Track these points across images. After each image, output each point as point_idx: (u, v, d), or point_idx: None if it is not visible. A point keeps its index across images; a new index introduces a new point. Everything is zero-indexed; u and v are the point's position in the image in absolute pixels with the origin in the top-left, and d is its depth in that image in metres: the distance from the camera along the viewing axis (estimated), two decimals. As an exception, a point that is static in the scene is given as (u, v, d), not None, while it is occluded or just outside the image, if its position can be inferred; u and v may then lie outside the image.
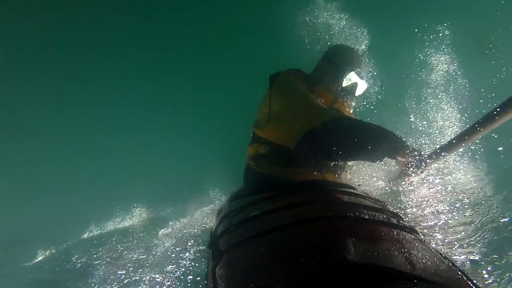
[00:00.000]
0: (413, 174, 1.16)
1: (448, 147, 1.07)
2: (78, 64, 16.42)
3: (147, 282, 2.22)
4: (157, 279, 2.19)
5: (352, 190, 1.17)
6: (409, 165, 1.14)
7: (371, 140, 1.05)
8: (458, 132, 1.07)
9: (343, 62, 1.48)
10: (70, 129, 18.55)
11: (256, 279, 0.59)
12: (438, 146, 1.11)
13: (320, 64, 1.58)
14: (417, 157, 1.10)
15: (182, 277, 2.11)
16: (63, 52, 15.99)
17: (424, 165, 1.10)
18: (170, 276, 2.18)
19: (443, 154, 1.08)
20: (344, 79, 1.45)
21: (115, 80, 17.44)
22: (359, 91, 1.53)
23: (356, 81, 1.47)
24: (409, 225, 0.81)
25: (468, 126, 1.02)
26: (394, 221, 0.80)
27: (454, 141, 1.05)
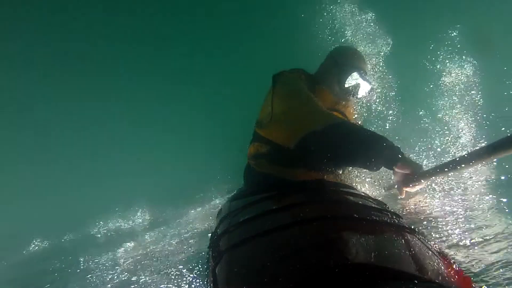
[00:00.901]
0: (410, 186, 1.15)
1: (450, 167, 1.02)
2: (85, 62, 16.47)
3: (145, 283, 2.22)
4: (156, 280, 2.19)
5: (352, 190, 1.17)
6: (406, 177, 1.13)
7: (369, 148, 1.05)
8: (465, 152, 1.04)
9: (346, 62, 1.48)
10: (74, 127, 18.60)
11: (256, 279, 0.59)
12: (440, 164, 1.08)
13: (324, 64, 1.58)
14: (415, 170, 1.09)
15: (181, 277, 2.12)
16: (69, 50, 16.02)
17: (421, 179, 1.09)
18: (169, 276, 2.18)
19: (443, 172, 1.05)
20: (346, 79, 1.45)
21: (120, 79, 17.51)
22: (362, 93, 1.53)
23: (359, 82, 1.47)
24: (409, 225, 0.81)
25: (475, 149, 0.97)
26: (394, 221, 0.80)
27: (457, 162, 1.00)
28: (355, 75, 1.45)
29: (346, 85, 1.46)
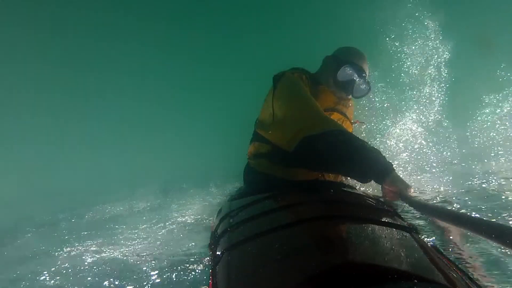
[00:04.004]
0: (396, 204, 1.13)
1: (438, 213, 0.88)
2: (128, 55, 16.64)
3: (142, 280, 2.22)
4: (156, 279, 2.19)
5: (352, 190, 1.17)
6: (394, 194, 1.10)
7: (360, 160, 1.05)
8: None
9: (344, 58, 1.48)
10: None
11: (256, 279, 0.59)
12: (431, 204, 1.01)
13: (325, 62, 1.57)
14: (401, 190, 1.06)
15: (182, 277, 2.12)
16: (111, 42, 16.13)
17: (406, 202, 1.04)
18: (169, 275, 2.18)
19: (429, 212, 0.95)
20: (341, 72, 1.44)
21: (123, 76, 17.66)
22: (358, 91, 1.52)
23: (354, 78, 1.46)
24: (409, 225, 0.81)
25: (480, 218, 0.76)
26: (394, 220, 0.80)
27: (452, 216, 0.82)
28: (349, 70, 1.44)
29: (340, 79, 1.45)
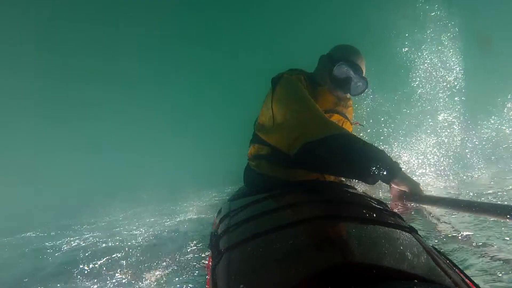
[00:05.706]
0: (404, 203, 1.14)
1: (452, 204, 0.96)
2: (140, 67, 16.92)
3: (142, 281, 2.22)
4: (156, 278, 2.19)
5: (352, 190, 1.17)
6: (403, 193, 1.12)
7: (365, 162, 1.05)
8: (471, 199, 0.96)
9: (339, 56, 1.47)
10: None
11: (256, 279, 0.59)
12: (443, 197, 1.04)
13: (320, 61, 1.57)
14: (411, 189, 1.08)
15: (181, 277, 2.12)
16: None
17: (417, 200, 1.07)
18: (169, 275, 2.18)
19: (442, 205, 1.00)
20: (336, 69, 1.44)
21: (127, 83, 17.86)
22: (357, 89, 1.51)
23: (350, 75, 1.45)
24: (408, 225, 0.81)
25: (486, 202, 0.90)
26: (394, 221, 0.80)
27: (459, 204, 0.93)
28: (344, 67, 1.43)
29: (336, 77, 1.44)
